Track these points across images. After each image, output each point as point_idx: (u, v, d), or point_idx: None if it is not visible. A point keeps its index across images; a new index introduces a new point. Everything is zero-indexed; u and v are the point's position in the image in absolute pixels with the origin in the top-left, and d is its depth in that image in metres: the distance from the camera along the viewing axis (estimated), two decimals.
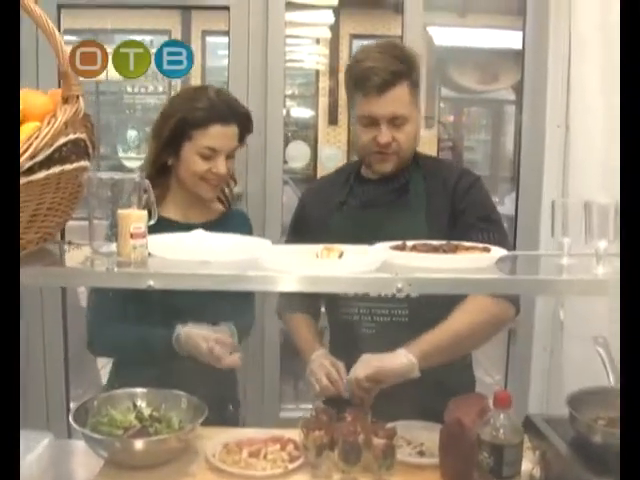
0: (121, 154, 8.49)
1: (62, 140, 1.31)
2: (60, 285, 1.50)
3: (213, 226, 2.09)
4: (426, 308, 1.99)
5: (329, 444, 1.74)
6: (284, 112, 3.26)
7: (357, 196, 2.15)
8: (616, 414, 1.84)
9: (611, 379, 2.03)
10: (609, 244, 1.45)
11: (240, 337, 2.11)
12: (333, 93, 12.81)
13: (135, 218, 1.37)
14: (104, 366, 5.54)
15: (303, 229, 2.20)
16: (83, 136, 1.39)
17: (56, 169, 1.30)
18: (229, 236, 1.65)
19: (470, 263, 1.47)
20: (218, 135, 2.06)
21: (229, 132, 2.08)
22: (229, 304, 2.07)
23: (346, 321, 2.13)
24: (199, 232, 1.58)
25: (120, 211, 1.38)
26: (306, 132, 13.24)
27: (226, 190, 2.25)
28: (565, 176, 2.96)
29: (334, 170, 2.35)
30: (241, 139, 2.14)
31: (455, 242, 1.55)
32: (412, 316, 2.05)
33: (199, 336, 1.99)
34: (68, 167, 1.34)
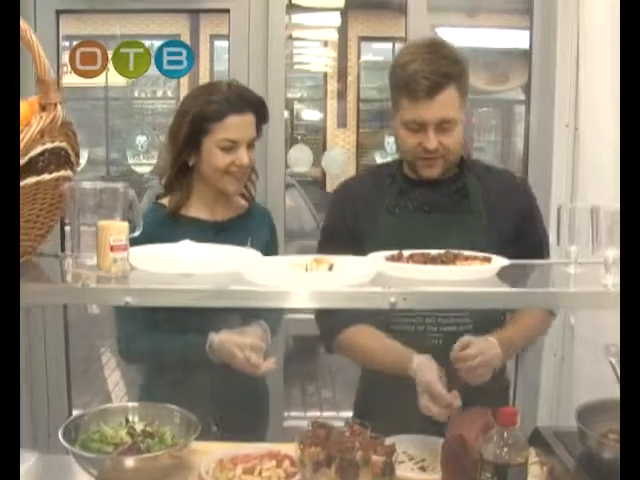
0: (130, 160, 8.47)
1: (39, 149, 1.25)
2: (31, 303, 1.43)
3: (239, 223, 2.12)
4: (490, 320, 1.95)
5: (326, 460, 1.67)
6: (287, 115, 3.20)
7: (411, 199, 2.03)
8: None
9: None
10: (616, 251, 1.37)
11: (271, 335, 2.11)
12: (342, 96, 12.81)
13: (116, 230, 1.31)
14: (110, 375, 5.55)
15: (342, 234, 2.06)
16: (63, 144, 1.32)
17: (31, 179, 1.24)
18: (217, 247, 1.58)
19: (470, 275, 1.39)
20: (236, 125, 2.04)
21: (246, 121, 2.06)
22: None
23: (409, 332, 2.01)
24: (187, 242, 1.51)
25: (100, 222, 1.31)
26: (315, 135, 13.26)
27: (248, 185, 2.22)
28: (575, 178, 2.91)
29: (366, 171, 2.29)
30: (258, 129, 2.11)
31: (455, 251, 1.48)
32: (476, 324, 1.97)
33: (233, 344, 1.97)
34: (46, 177, 1.28)
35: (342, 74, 12.90)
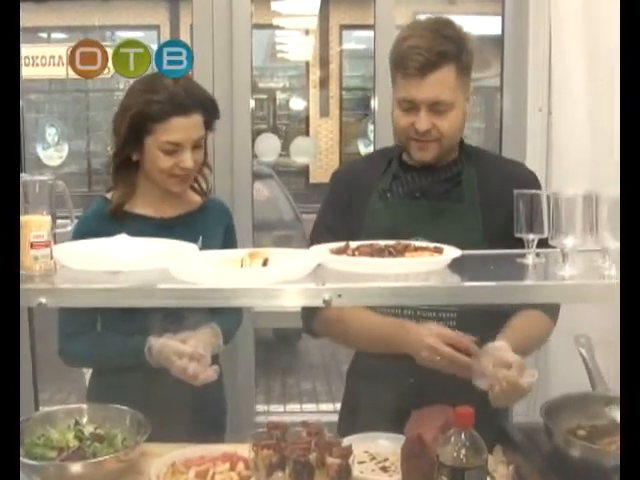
0: (111, 151, 8.38)
1: None
2: None
3: (188, 220, 2.02)
4: (475, 312, 1.79)
5: (280, 463, 1.60)
6: (253, 105, 3.13)
7: (403, 184, 1.96)
8: (599, 422, 1.74)
9: (593, 382, 1.92)
10: (576, 240, 1.30)
11: (227, 337, 2.02)
12: (324, 84, 12.75)
13: (36, 225, 1.21)
14: (88, 371, 5.48)
15: (336, 219, 1.98)
16: None
17: None
18: (153, 242, 1.49)
19: (417, 267, 1.31)
20: (180, 128, 1.92)
21: (192, 123, 1.94)
22: None
23: None
24: (122, 237, 1.43)
25: (21, 217, 1.22)
26: (298, 124, 13.20)
27: (200, 180, 2.12)
28: (548, 162, 2.87)
29: (366, 154, 2.21)
30: (208, 126, 2.01)
31: (405, 242, 1.40)
32: (460, 320, 1.86)
33: (172, 351, 1.86)
34: None
35: (324, 63, 12.86)
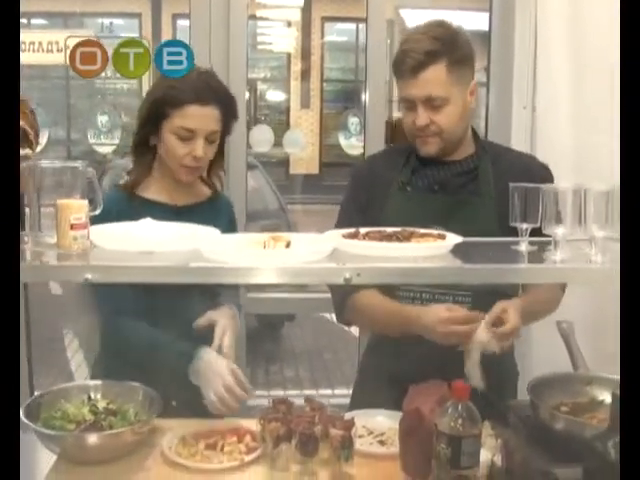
0: (91, 140, 8.36)
1: None
2: None
3: (197, 210, 2.09)
4: (489, 295, 1.94)
5: (286, 435, 1.71)
6: (250, 95, 3.18)
7: (422, 178, 2.07)
8: (580, 399, 1.85)
9: (574, 363, 2.03)
10: (566, 230, 1.42)
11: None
12: (305, 76, 12.79)
13: (75, 208, 1.32)
14: (73, 355, 5.54)
15: (358, 212, 2.10)
16: (21, 123, 1.33)
17: None
18: (177, 225, 1.59)
19: (423, 251, 1.44)
20: (195, 116, 2.01)
21: (207, 113, 2.03)
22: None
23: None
24: (147, 221, 1.53)
25: (59, 201, 1.33)
26: (279, 116, 13.23)
27: (215, 179, 2.21)
28: None
29: (383, 150, 2.35)
30: (225, 124, 2.09)
31: (410, 229, 1.52)
32: (475, 303, 1.98)
33: (218, 376, 1.92)
34: None
35: (305, 54, 12.93)
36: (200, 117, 2.01)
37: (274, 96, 13.20)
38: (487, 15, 3.24)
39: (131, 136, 2.13)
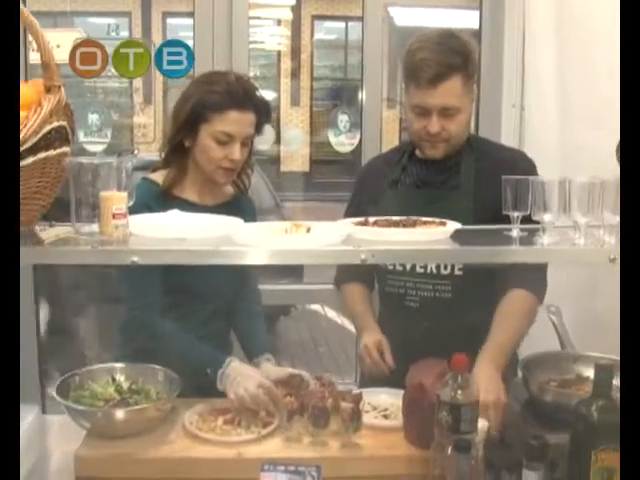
0: (82, 138, 8.40)
1: (47, 128, 1.40)
2: (49, 262, 1.59)
3: (224, 210, 2.09)
4: (469, 285, 2.12)
5: (299, 409, 1.85)
6: None
7: (410, 175, 2.25)
8: (567, 376, 2.00)
9: (562, 343, 2.19)
10: (552, 216, 1.59)
11: None
12: (296, 74, 12.86)
13: (117, 200, 1.46)
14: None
15: (360, 205, 2.28)
16: (64, 123, 1.47)
17: (41, 155, 1.39)
18: (203, 216, 1.74)
19: (426, 236, 1.61)
20: (235, 121, 2.07)
21: (246, 119, 2.09)
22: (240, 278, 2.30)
23: (392, 293, 2.24)
24: (175, 212, 1.68)
25: (102, 193, 1.46)
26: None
27: (244, 177, 2.28)
28: None
29: (389, 149, 2.46)
30: (258, 128, 2.15)
31: (414, 217, 1.68)
32: (455, 292, 2.15)
33: (253, 387, 1.96)
34: (52, 153, 1.42)
35: (296, 53, 13.02)
36: (239, 122, 2.08)
37: (264, 94, 13.25)
38: (477, 13, 3.33)
39: (162, 137, 2.22)
